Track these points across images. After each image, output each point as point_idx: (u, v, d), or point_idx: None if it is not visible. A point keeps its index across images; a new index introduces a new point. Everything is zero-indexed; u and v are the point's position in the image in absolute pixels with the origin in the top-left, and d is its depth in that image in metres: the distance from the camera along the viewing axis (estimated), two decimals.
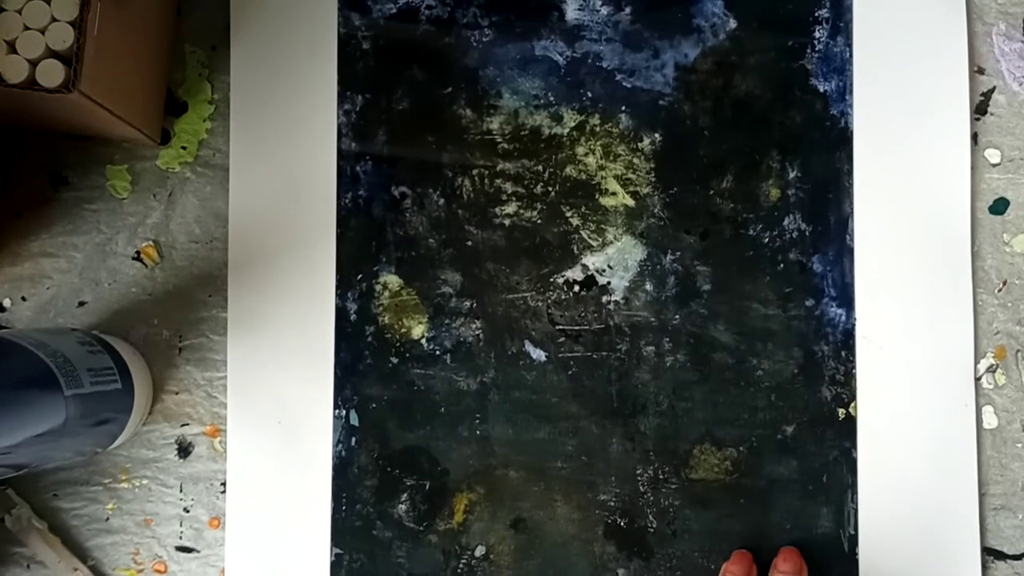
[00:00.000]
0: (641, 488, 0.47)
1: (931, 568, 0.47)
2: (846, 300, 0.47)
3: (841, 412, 0.47)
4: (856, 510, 0.47)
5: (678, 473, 0.47)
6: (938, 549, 0.47)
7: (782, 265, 0.48)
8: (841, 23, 0.48)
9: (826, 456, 0.47)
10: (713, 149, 0.48)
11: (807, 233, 0.48)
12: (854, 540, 0.46)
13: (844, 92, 0.48)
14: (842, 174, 0.48)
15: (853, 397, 0.47)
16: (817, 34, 0.48)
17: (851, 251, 0.47)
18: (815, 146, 0.48)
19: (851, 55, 0.48)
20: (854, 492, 0.47)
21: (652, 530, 0.47)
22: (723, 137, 0.48)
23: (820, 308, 0.47)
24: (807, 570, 0.45)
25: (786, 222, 0.48)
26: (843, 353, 0.47)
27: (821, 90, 0.48)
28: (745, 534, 0.47)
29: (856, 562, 0.46)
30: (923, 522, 0.47)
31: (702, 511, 0.47)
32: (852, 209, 0.48)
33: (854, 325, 0.47)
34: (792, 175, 0.48)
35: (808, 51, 0.48)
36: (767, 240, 0.48)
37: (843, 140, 0.48)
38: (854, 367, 0.47)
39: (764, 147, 0.48)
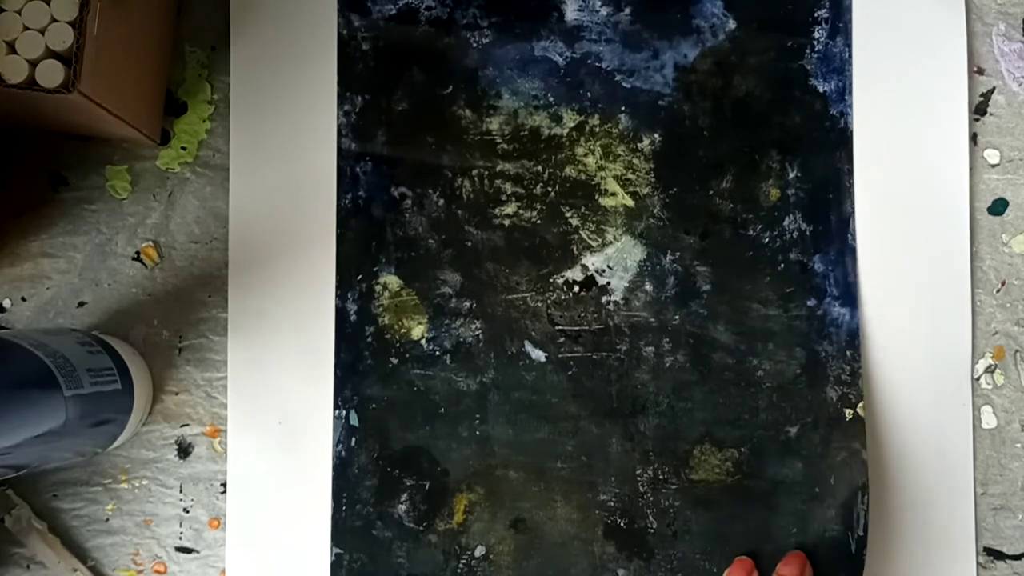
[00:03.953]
0: (641, 488, 0.47)
1: (931, 568, 0.47)
2: (850, 299, 0.47)
3: (848, 412, 0.47)
4: (867, 511, 0.46)
5: (678, 474, 0.47)
6: (938, 549, 0.47)
7: (783, 265, 0.47)
8: (840, 23, 0.48)
9: (833, 457, 0.46)
10: (713, 149, 0.48)
11: (808, 233, 0.48)
12: (862, 542, 0.46)
13: (844, 92, 0.48)
14: (842, 174, 0.48)
15: (860, 397, 0.47)
16: (816, 34, 0.48)
17: (853, 250, 0.47)
18: (815, 146, 0.48)
19: (850, 55, 0.48)
20: (865, 493, 0.46)
21: (652, 531, 0.47)
22: (723, 137, 0.48)
23: (823, 308, 0.47)
24: (811, 571, 0.45)
25: (786, 222, 0.48)
26: (848, 353, 0.47)
27: (821, 90, 0.48)
28: (748, 537, 0.46)
29: (862, 563, 0.46)
30: (924, 522, 0.47)
31: (703, 512, 0.47)
32: (853, 208, 0.48)
33: (859, 324, 0.47)
34: (792, 175, 0.48)
35: (807, 51, 0.48)
36: (767, 240, 0.48)
37: (843, 140, 0.48)
38: (860, 367, 0.47)
39: (764, 147, 0.48)
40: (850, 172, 0.48)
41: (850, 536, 0.46)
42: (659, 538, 0.47)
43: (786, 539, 0.46)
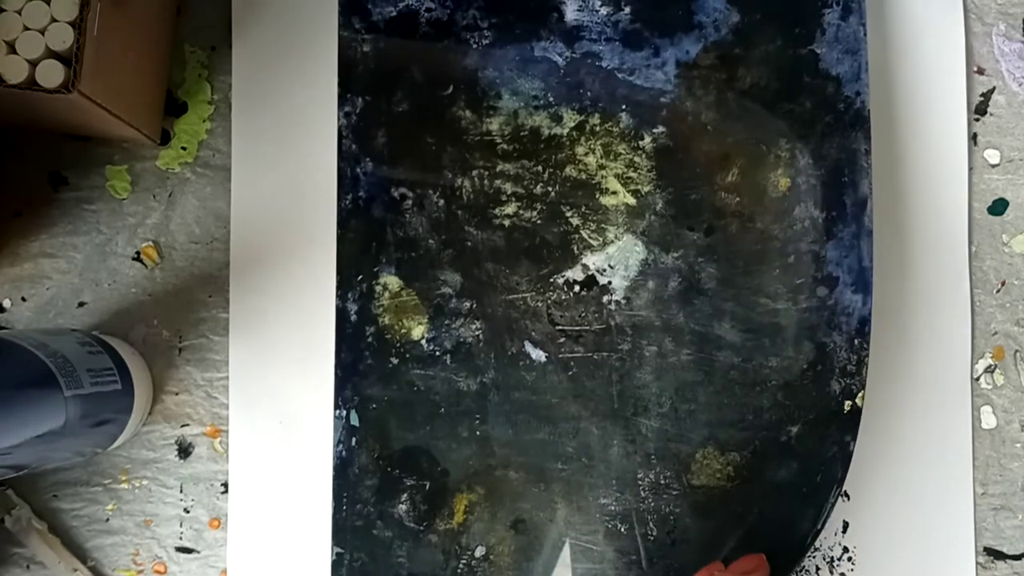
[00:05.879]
0: (643, 494, 0.46)
1: (931, 568, 0.47)
2: (863, 284, 0.46)
3: (847, 404, 0.45)
4: (834, 505, 0.45)
5: (679, 479, 0.46)
6: (938, 549, 0.47)
7: (792, 256, 0.47)
8: (853, 3, 0.47)
9: (824, 454, 0.45)
10: (717, 144, 0.47)
11: (820, 220, 0.46)
12: (816, 534, 0.45)
13: (859, 72, 0.47)
14: (859, 154, 0.46)
15: (862, 386, 0.46)
16: (828, 17, 0.47)
17: (870, 232, 0.46)
18: (828, 130, 0.47)
19: (865, 34, 0.47)
20: (839, 487, 0.45)
21: (652, 538, 0.46)
22: (727, 131, 0.47)
23: (834, 297, 0.46)
24: (767, 569, 0.43)
25: (797, 211, 0.47)
26: (856, 341, 0.46)
27: (833, 73, 0.47)
28: (741, 543, 0.46)
29: (804, 553, 0.45)
30: (924, 522, 0.47)
31: (702, 520, 0.46)
32: (871, 189, 0.46)
33: (871, 311, 0.46)
34: (803, 162, 0.47)
35: (818, 35, 0.47)
36: (776, 232, 0.47)
37: (859, 120, 0.46)
38: (867, 355, 0.46)
39: (771, 137, 0.47)
40: (867, 152, 0.46)
41: (811, 530, 0.45)
42: (658, 545, 0.46)
43: (774, 541, 0.45)
